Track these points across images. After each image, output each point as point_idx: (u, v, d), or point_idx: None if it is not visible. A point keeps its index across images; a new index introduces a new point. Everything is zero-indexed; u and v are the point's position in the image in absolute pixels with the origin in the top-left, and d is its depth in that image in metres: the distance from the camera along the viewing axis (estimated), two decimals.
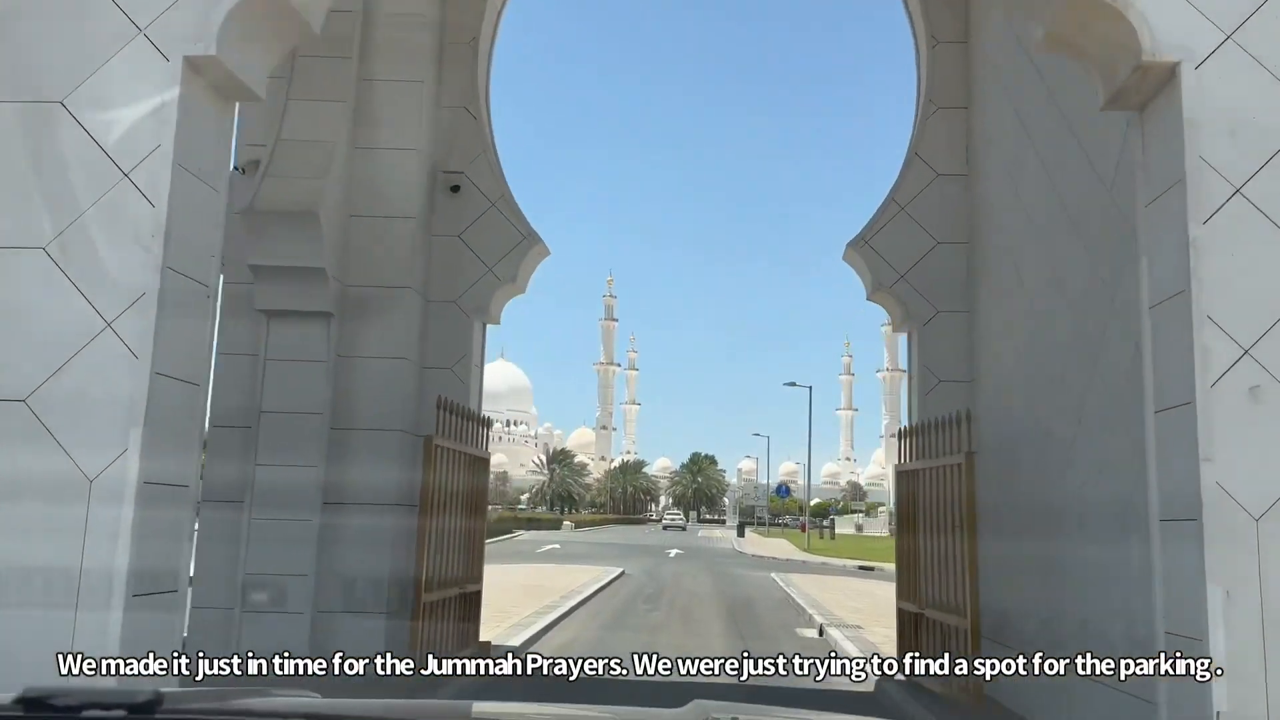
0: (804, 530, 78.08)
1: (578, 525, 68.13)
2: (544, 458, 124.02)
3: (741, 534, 53.46)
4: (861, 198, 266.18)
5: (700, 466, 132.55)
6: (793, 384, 64.91)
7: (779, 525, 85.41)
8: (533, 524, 57.95)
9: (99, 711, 1.65)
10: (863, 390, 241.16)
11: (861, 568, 33.44)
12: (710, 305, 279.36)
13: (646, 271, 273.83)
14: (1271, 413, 4.56)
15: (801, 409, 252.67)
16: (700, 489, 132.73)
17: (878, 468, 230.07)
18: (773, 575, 26.56)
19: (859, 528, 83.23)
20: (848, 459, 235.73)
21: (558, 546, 40.73)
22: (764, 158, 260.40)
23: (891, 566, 12.30)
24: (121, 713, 1.66)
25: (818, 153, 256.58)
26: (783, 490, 66.56)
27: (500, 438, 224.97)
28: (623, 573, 26.55)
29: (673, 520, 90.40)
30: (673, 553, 40.38)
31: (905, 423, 11.12)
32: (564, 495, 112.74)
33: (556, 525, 62.20)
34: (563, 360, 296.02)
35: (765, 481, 73.09)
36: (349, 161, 10.19)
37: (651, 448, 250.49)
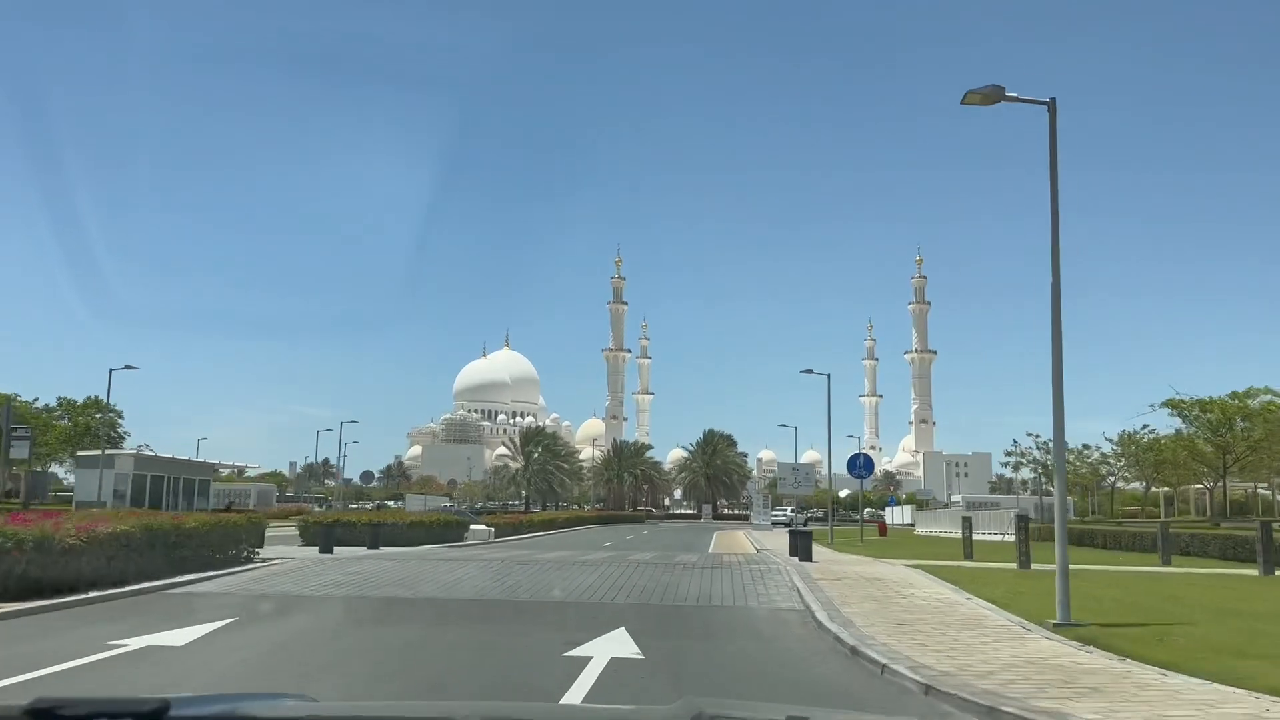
0: (883, 532, 46.38)
1: (503, 529, 36.59)
2: (516, 441, 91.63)
3: (804, 552, 20.93)
4: (873, 178, 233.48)
5: (715, 447, 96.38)
6: (809, 371, 40.82)
7: (851, 522, 53.48)
8: (358, 530, 26.53)
9: None
10: (885, 373, 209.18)
11: None
12: (729, 293, 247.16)
13: (659, 256, 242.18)
14: None
15: (822, 395, 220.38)
16: (715, 475, 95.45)
17: (907, 455, 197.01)
18: None
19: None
20: (874, 448, 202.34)
21: (213, 629, 10.14)
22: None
23: None
24: None
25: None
26: (860, 464, 34.81)
27: (504, 429, 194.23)
28: None
29: (777, 519, 62.73)
30: (588, 676, 8.75)
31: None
32: (543, 487, 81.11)
33: (454, 533, 30.66)
34: (574, 349, 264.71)
35: (826, 453, 40.78)
36: None
37: (666, 440, 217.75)
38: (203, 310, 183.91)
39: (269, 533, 30.37)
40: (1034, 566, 20.18)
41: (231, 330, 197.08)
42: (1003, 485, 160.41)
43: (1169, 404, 42.92)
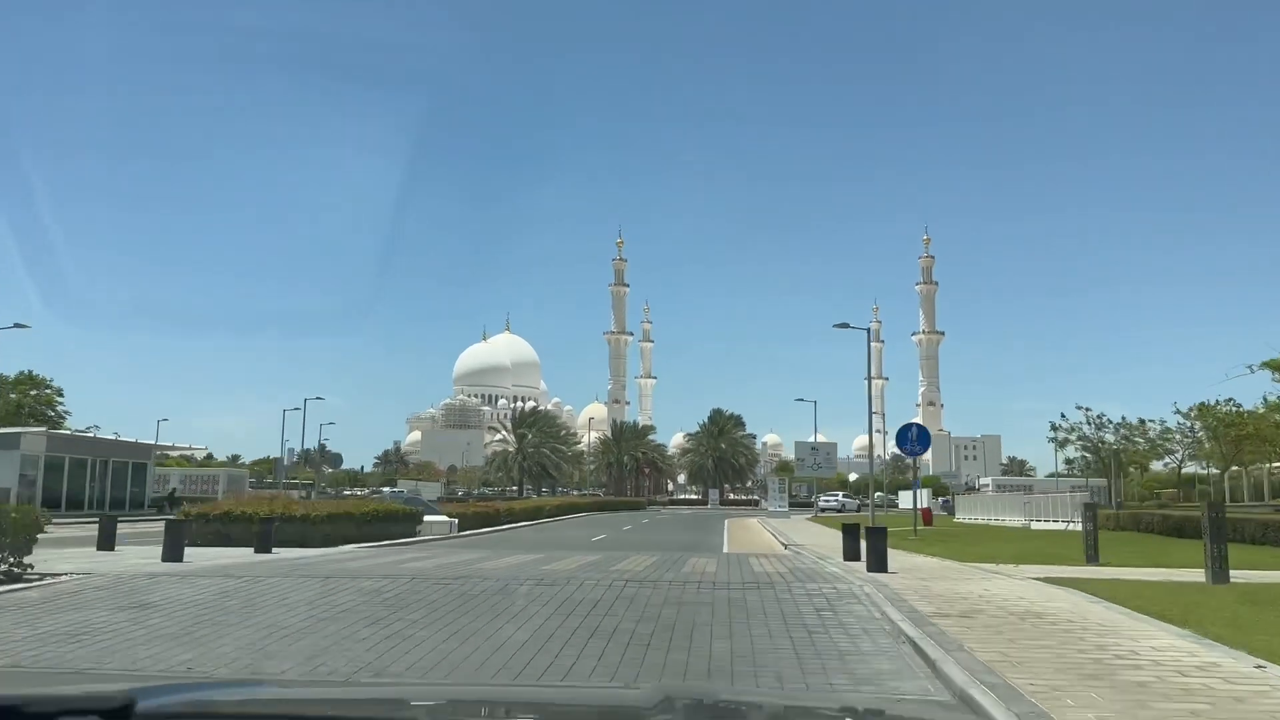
0: (927, 520, 39.02)
1: (470, 520, 29.51)
2: (509, 422, 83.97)
3: (878, 558, 13.45)
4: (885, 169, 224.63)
5: (722, 428, 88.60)
6: (845, 325, 36.76)
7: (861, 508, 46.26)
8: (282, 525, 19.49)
9: (73, 718, 1.41)
10: (891, 355, 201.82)
11: None
12: (732, 277, 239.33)
13: (663, 237, 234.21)
14: None
15: (832, 380, 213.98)
16: (723, 457, 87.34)
17: None
18: None
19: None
20: (880, 432, 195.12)
21: None
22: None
23: None
24: (95, 718, 1.40)
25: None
26: (913, 437, 27.70)
27: (504, 414, 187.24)
28: None
29: (827, 504, 59.18)
30: None
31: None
32: (537, 471, 73.54)
33: (401, 528, 23.47)
34: (575, 333, 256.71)
35: (868, 426, 33.25)
36: None
37: (669, 425, 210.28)
38: (196, 303, 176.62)
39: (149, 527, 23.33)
40: (1233, 577, 12.94)
41: (230, 324, 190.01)
42: (1015, 467, 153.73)
43: (1270, 365, 35.63)
